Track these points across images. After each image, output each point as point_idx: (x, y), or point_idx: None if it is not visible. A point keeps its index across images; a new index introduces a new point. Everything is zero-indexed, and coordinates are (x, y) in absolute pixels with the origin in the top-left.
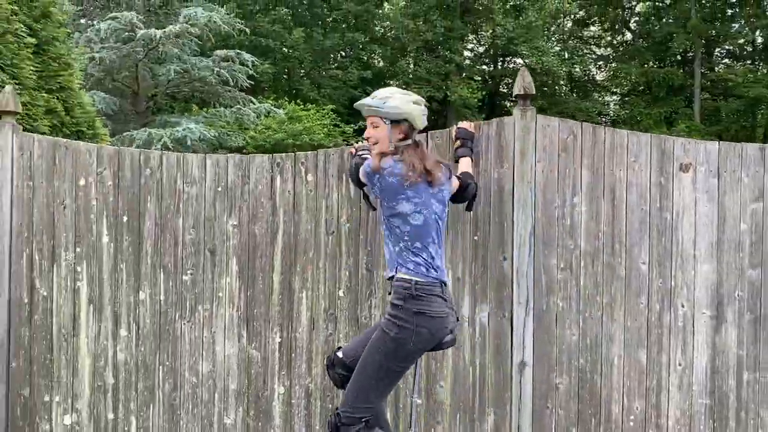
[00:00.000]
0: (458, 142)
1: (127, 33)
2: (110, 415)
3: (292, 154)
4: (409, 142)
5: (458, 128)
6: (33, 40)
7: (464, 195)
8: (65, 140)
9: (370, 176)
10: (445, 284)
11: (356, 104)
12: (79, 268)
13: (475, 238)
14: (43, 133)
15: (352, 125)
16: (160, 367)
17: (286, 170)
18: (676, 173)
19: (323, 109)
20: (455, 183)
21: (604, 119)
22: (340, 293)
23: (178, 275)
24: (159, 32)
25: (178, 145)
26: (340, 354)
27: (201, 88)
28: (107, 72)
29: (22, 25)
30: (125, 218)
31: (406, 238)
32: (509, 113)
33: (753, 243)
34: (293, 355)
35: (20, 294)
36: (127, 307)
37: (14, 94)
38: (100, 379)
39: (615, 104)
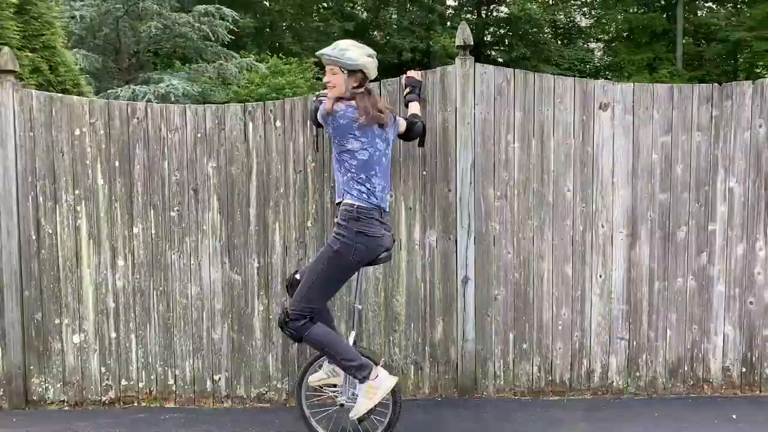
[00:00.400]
0: (408, 89)
1: None
2: (113, 334)
3: (262, 102)
4: (363, 90)
5: (407, 77)
6: (14, 0)
7: (412, 133)
8: (60, 95)
9: (325, 118)
10: (384, 210)
11: (318, 53)
12: (78, 208)
13: (424, 173)
14: None
15: None
16: (154, 291)
17: (257, 117)
18: (597, 111)
19: (305, 63)
20: (402, 124)
21: (587, 66)
22: (309, 224)
23: (166, 212)
24: None
25: (163, 101)
26: (297, 276)
27: (182, 44)
28: (88, 30)
29: None
30: (117, 163)
31: (353, 170)
32: (495, 62)
33: (663, 171)
34: (270, 277)
35: (29, 232)
36: (123, 240)
37: (12, 54)
38: (102, 303)
39: (599, 51)
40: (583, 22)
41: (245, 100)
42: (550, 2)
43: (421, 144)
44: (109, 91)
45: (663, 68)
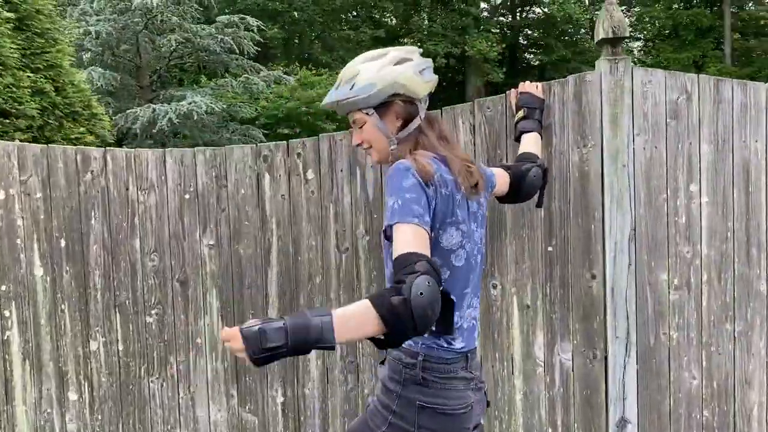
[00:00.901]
0: (521, 113)
1: (122, 3)
2: None
3: (284, 143)
4: (418, 123)
5: (520, 93)
6: (12, 15)
7: (523, 188)
8: None
9: (422, 190)
10: (472, 354)
11: (323, 105)
12: (7, 312)
13: (550, 248)
14: (32, 117)
15: None
16: None
17: (277, 166)
18: None
19: (336, 74)
20: (500, 177)
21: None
22: None
23: (140, 316)
24: (156, 0)
25: (186, 120)
26: None
27: (206, 57)
28: (106, 46)
29: None
30: (63, 242)
31: None
32: (530, 66)
33: None
34: (302, 418)
35: None
36: (76, 361)
37: None
38: None
39: (639, 50)
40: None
41: (274, 115)
42: (586, 2)
43: (540, 204)
44: (128, 111)
45: (710, 65)
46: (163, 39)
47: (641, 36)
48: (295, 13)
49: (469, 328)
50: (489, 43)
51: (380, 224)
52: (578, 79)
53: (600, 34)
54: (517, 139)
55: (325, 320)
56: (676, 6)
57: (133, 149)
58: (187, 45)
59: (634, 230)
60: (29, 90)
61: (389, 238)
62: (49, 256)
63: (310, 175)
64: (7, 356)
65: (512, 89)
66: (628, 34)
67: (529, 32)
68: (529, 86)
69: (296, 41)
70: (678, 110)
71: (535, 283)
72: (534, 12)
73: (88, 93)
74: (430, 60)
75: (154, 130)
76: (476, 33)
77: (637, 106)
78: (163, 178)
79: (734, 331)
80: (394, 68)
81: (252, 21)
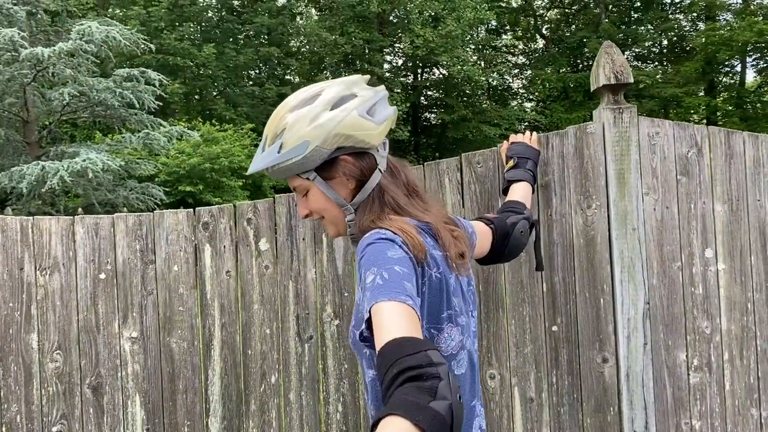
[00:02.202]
0: (511, 162)
1: (9, 53)
2: None
3: (229, 206)
4: (378, 178)
5: (512, 144)
6: None
7: (509, 243)
8: None
9: (413, 267)
10: None
11: (250, 172)
12: None
13: (554, 328)
14: None
15: None
16: None
17: (221, 235)
18: None
19: (242, 129)
20: (482, 233)
21: (524, 125)
22: None
23: None
24: (47, 51)
25: (79, 178)
26: None
27: (102, 112)
28: None
29: None
30: None
31: None
32: (432, 125)
33: None
34: None
35: None
36: None
37: None
38: None
39: (533, 110)
40: (515, 84)
41: (175, 172)
42: (482, 65)
43: (540, 267)
44: (14, 168)
45: None
46: (54, 92)
47: (533, 98)
48: (196, 68)
49: None
50: (392, 102)
51: (352, 304)
52: (579, 130)
53: (601, 80)
54: (505, 192)
55: None
56: (564, 70)
57: (30, 217)
58: (81, 99)
59: (648, 304)
60: None
61: (365, 338)
62: None
63: (264, 245)
64: None
65: (504, 141)
66: (632, 80)
67: (430, 92)
68: (522, 137)
69: (197, 96)
70: (689, 165)
71: (539, 371)
72: (434, 73)
73: None
74: (382, 89)
75: (43, 189)
76: None
77: (645, 162)
78: (71, 254)
79: (761, 417)
80: (331, 114)
81: (153, 75)
